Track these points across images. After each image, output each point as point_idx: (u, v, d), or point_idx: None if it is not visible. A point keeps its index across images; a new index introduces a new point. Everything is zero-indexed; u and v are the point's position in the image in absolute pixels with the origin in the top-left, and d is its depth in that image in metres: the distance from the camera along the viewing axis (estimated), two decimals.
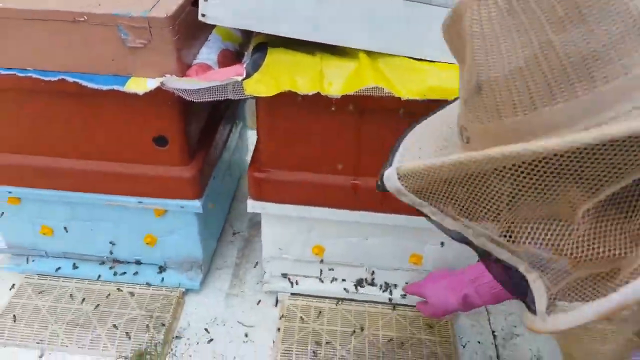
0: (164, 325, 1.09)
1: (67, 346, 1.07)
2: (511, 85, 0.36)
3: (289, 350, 1.06)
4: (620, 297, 0.35)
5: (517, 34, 0.35)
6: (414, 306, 1.11)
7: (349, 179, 0.95)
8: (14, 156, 0.99)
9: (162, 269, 1.17)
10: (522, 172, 0.35)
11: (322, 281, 1.15)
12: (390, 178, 0.45)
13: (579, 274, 0.39)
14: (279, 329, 1.10)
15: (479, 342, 1.11)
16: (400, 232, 1.04)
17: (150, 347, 1.05)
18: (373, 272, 1.13)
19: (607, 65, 0.33)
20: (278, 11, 0.80)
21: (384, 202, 0.96)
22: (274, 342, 1.09)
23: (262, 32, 0.83)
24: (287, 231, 1.07)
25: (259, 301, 1.17)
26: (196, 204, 1.01)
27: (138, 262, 1.17)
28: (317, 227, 1.06)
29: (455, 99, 0.56)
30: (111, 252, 1.16)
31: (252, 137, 1.71)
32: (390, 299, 1.13)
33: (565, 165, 0.33)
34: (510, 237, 0.41)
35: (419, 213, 0.48)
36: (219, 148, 1.13)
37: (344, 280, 1.15)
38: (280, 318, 1.12)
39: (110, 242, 1.14)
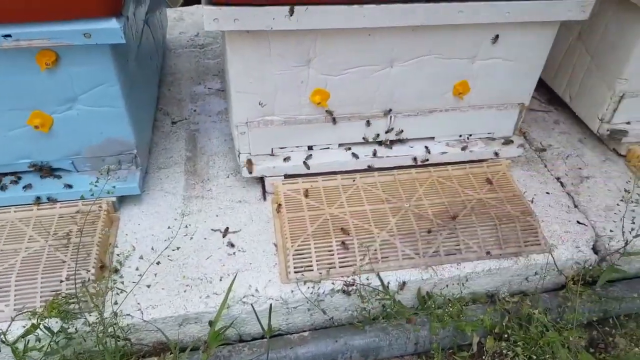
0: (89, 254, 0.66)
1: None
2: None
3: (305, 249, 0.69)
4: None
5: None
6: (459, 163, 0.80)
7: None
8: None
9: (65, 172, 0.72)
10: None
11: (328, 147, 0.79)
12: None
13: None
14: (280, 225, 0.72)
15: (548, 193, 0.83)
16: (447, 42, 0.70)
17: (74, 289, 0.62)
18: (392, 122, 0.79)
19: None
20: None
21: None
22: (275, 245, 0.71)
23: None
24: (274, 66, 0.68)
25: (238, 199, 0.78)
26: (112, 25, 0.58)
27: (30, 168, 0.71)
28: (320, 54, 0.68)
29: None
30: None
31: (171, 14, 1.27)
32: (425, 159, 0.81)
33: None
34: None
35: None
36: None
37: (351, 144, 0.79)
38: (277, 210, 0.74)
39: None
